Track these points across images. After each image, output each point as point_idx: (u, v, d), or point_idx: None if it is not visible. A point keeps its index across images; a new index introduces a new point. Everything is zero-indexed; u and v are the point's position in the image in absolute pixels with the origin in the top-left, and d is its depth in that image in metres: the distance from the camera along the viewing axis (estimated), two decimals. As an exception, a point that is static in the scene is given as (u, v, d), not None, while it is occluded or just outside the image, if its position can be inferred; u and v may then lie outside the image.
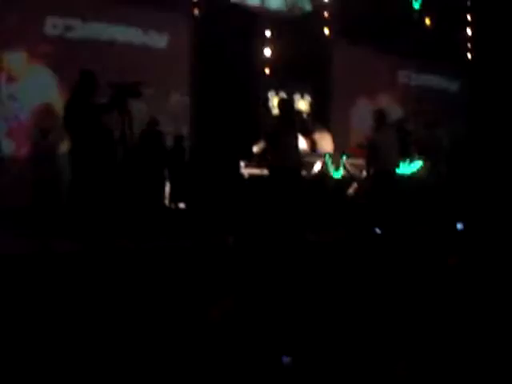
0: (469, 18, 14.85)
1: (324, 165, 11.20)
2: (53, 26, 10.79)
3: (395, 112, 12.50)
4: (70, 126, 6.79)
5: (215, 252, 5.93)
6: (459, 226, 9.49)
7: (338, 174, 11.23)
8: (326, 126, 12.80)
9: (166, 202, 10.70)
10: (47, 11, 10.68)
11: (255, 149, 10.39)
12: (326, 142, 12.09)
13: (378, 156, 8.64)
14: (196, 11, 12.15)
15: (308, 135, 8.31)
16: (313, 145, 10.75)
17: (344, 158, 11.28)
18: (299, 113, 8.86)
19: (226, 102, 11.74)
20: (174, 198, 10.71)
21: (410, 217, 8.68)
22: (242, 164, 10.62)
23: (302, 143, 9.43)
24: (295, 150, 7.77)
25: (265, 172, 8.73)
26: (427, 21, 14.44)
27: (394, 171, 8.75)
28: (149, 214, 8.50)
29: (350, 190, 10.80)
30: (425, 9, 14.61)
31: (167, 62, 11.64)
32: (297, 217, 7.39)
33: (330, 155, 11.29)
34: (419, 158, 10.82)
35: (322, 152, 11.21)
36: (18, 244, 6.52)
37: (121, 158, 7.84)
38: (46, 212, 8.50)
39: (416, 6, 14.45)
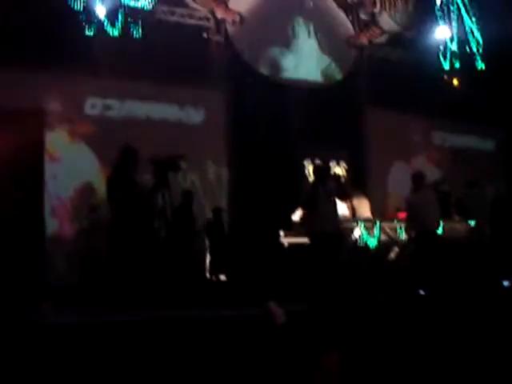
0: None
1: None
2: (92, 105, 11.19)
3: (432, 173, 12.45)
4: (112, 200, 6.95)
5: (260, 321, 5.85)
6: (505, 283, 9.32)
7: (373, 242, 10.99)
8: (364, 191, 12.80)
9: (207, 274, 10.72)
10: (87, 92, 11.09)
11: (294, 217, 10.44)
12: (364, 208, 12.05)
13: (417, 218, 8.58)
14: (229, 86, 12.42)
15: (346, 199, 8.33)
16: (352, 210, 10.76)
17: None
18: (336, 177, 8.89)
19: (262, 173, 11.87)
20: (215, 270, 10.71)
21: (455, 277, 8.53)
22: (282, 233, 10.60)
23: (342, 208, 9.42)
24: (334, 215, 7.76)
25: (305, 240, 8.70)
26: (455, 82, 14.53)
27: (436, 232, 8.66)
28: (190, 286, 8.49)
29: (392, 255, 10.66)
30: (455, 69, 14.76)
31: (204, 135, 11.87)
32: (338, 282, 7.33)
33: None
34: (461, 219, 10.71)
35: (360, 217, 11.19)
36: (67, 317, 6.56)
37: (162, 231, 7.95)
38: (94, 285, 8.57)
39: (445, 66, 14.59)
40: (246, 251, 10.72)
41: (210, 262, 10.77)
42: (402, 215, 10.37)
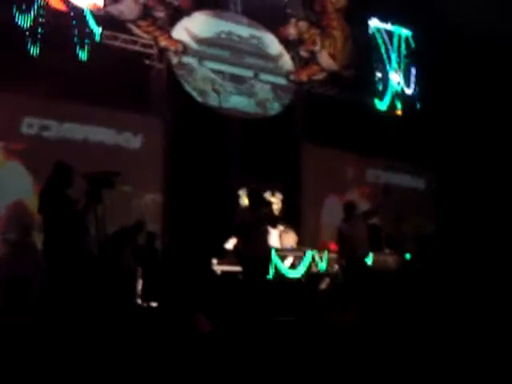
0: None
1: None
2: (28, 125, 11.09)
3: (364, 207, 12.74)
4: (42, 214, 6.84)
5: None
6: None
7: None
8: (297, 222, 13.02)
9: (139, 300, 10.58)
10: (24, 111, 10.99)
11: (228, 245, 10.51)
12: (290, 238, 12.26)
13: (348, 246, 8.71)
14: (169, 114, 12.52)
15: (276, 227, 8.46)
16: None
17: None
18: (270, 203, 8.95)
19: (198, 201, 11.92)
20: (147, 296, 10.59)
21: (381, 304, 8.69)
22: (215, 261, 10.64)
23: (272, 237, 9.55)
24: (265, 240, 7.80)
25: (237, 269, 8.73)
26: (399, 112, 15.11)
27: (366, 261, 8.82)
28: (121, 313, 8.36)
29: (322, 285, 10.78)
30: (390, 109, 15.33)
31: (141, 161, 11.92)
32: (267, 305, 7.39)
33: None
34: (390, 252, 11.00)
35: (284, 247, 11.49)
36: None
37: (95, 250, 7.84)
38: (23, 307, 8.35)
39: (381, 105, 15.13)
40: (178, 278, 10.66)
41: (142, 288, 10.64)
42: (333, 247, 10.61)
